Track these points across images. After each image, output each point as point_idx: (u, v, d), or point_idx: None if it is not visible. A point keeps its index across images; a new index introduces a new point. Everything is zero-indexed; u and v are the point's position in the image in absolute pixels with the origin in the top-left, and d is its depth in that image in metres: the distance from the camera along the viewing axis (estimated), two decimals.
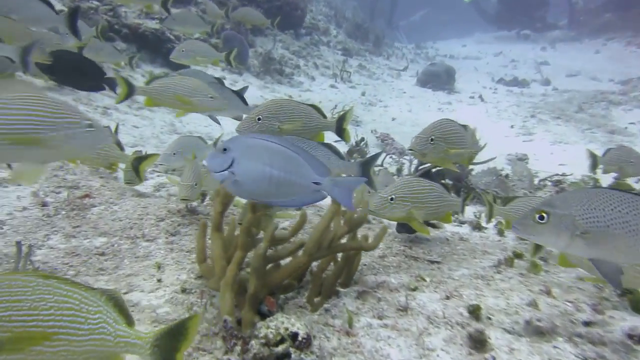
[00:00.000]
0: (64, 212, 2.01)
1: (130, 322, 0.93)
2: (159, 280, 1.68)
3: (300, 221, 1.52)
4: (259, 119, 1.94)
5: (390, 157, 4.87)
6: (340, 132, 2.04)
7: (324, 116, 2.07)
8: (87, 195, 2.24)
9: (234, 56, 4.14)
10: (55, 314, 0.85)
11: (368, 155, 3.18)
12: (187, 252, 1.94)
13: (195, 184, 2.16)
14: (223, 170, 1.19)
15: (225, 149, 1.20)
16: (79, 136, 1.25)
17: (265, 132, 1.93)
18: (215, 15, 5.06)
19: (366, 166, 2.01)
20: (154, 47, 5.45)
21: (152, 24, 5.52)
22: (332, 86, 7.60)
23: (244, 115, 2.33)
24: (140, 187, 2.60)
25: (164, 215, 2.25)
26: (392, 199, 1.96)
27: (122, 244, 1.88)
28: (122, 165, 2.40)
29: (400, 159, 5.08)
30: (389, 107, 7.27)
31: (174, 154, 3.22)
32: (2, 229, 1.74)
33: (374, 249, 1.65)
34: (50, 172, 2.44)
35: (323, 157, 1.89)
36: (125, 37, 5.34)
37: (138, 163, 2.29)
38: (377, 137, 5.78)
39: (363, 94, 7.57)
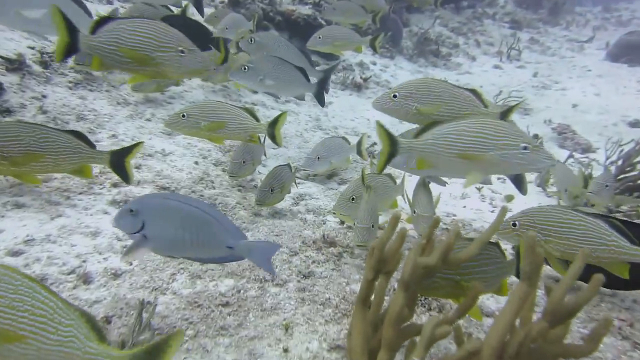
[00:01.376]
0: None
1: (102, 339, 0.93)
2: (285, 350, 1.39)
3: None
4: (394, 96, 1.88)
5: (572, 157, 3.96)
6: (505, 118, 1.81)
7: (485, 104, 1.89)
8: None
9: (380, 41, 3.75)
10: (29, 317, 0.87)
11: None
12: (320, 304, 1.62)
13: (373, 225, 1.82)
14: (134, 233, 1.20)
15: (132, 210, 1.19)
16: (175, 58, 1.61)
17: (399, 110, 1.90)
18: (376, 6, 4.64)
19: (320, 88, 2.56)
20: (304, 33, 5.26)
21: (305, 10, 5.33)
22: (496, 67, 6.63)
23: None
24: (279, 203, 2.38)
25: (298, 247, 1.96)
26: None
27: (249, 290, 1.64)
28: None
29: (587, 158, 4.13)
30: (568, 90, 6.05)
31: (318, 158, 2.96)
32: (131, 264, 1.62)
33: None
34: (189, 186, 2.35)
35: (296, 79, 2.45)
36: (279, 24, 5.26)
37: (272, 129, 2.16)
38: (552, 130, 4.82)
39: (535, 74, 6.45)
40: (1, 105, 2.35)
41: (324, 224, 2.36)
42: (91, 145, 1.90)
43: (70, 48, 1.55)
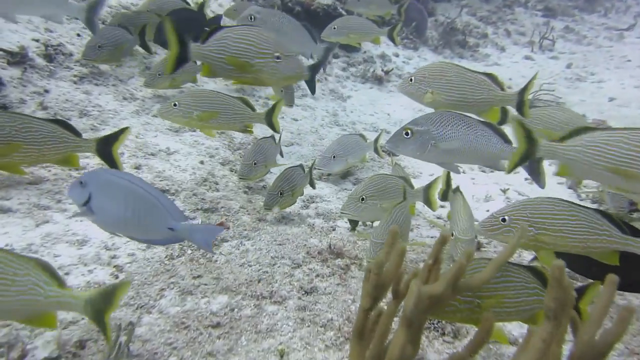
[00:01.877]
0: (189, 252, 1.72)
1: (61, 283, 1.07)
2: None
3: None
4: (411, 80, 1.93)
5: None
6: (521, 107, 1.82)
7: (502, 87, 1.90)
8: (222, 224, 1.93)
9: (398, 32, 3.55)
10: None
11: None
12: (321, 326, 1.46)
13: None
14: (82, 205, 1.24)
15: (81, 182, 1.25)
16: (271, 65, 1.57)
17: (415, 94, 1.95)
18: None
19: (313, 73, 2.36)
20: (323, 24, 5.05)
21: (325, 0, 5.13)
22: (527, 57, 6.28)
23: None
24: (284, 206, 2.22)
25: (301, 259, 1.81)
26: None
27: (244, 308, 1.49)
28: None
29: None
30: (605, 83, 5.67)
31: (334, 157, 2.79)
32: (117, 277, 1.49)
33: None
34: (191, 188, 2.21)
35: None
36: (298, 15, 5.06)
37: (270, 117, 2.12)
38: None
39: (568, 65, 6.08)
40: None
41: (333, 230, 2.20)
42: (77, 134, 1.83)
43: (181, 58, 1.58)
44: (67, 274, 1.47)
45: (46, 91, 2.58)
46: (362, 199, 1.94)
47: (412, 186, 2.19)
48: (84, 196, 1.24)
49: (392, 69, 4.97)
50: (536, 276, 1.23)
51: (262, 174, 2.44)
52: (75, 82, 2.79)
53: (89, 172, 1.29)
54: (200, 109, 1.95)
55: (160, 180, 2.18)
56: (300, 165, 2.35)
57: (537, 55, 6.40)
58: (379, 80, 4.75)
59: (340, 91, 4.44)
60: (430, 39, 5.81)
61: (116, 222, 1.25)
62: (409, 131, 1.76)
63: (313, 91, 2.64)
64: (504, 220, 1.39)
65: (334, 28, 3.18)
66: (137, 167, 2.23)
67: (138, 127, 2.68)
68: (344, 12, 5.02)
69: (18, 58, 2.58)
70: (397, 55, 5.34)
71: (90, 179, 1.25)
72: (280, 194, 2.15)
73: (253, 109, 2.09)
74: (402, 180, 2.10)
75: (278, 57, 1.60)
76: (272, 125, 2.13)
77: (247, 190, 2.43)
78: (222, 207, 2.13)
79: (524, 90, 1.81)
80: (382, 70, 4.94)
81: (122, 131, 1.81)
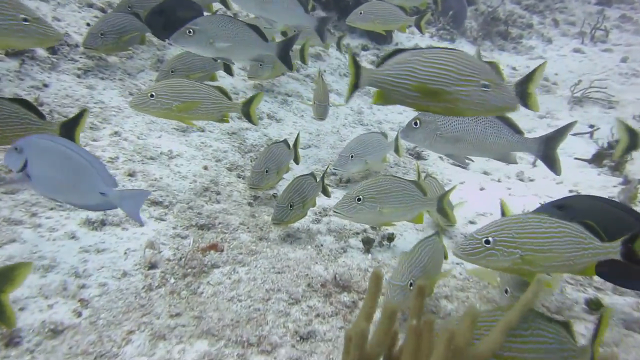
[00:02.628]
0: (172, 281, 1.50)
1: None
2: None
3: None
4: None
5: None
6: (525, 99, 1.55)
7: (502, 77, 1.55)
8: (214, 247, 1.70)
9: (426, 20, 3.30)
10: None
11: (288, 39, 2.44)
12: None
13: (411, 284, 1.41)
14: (18, 171, 1.29)
15: (16, 148, 1.30)
16: (477, 93, 1.31)
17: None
18: None
19: (284, 47, 2.27)
20: None
21: None
22: (576, 50, 5.75)
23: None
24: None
25: (301, 292, 1.56)
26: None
27: (226, 358, 1.26)
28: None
29: None
30: None
31: (352, 156, 2.54)
32: (80, 315, 1.28)
33: None
34: (188, 199, 1.99)
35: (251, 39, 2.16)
36: (327, 4, 4.77)
37: (247, 108, 2.07)
38: None
39: (624, 59, 5.52)
40: None
41: (343, 252, 1.94)
42: (41, 115, 1.71)
43: (355, 86, 1.47)
44: (21, 309, 1.28)
45: (45, 85, 2.41)
46: (359, 199, 1.76)
47: (425, 193, 1.93)
48: (20, 162, 1.29)
49: None
50: (565, 331, 1.08)
51: (274, 182, 2.22)
52: (78, 76, 2.62)
53: (25, 138, 1.32)
54: (179, 99, 1.85)
55: (154, 190, 1.97)
56: (312, 174, 2.10)
57: (588, 48, 5.86)
58: None
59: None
60: (469, 30, 5.39)
61: (52, 187, 1.32)
62: (417, 121, 1.84)
63: (289, 67, 2.49)
64: (487, 242, 1.23)
65: (360, 13, 2.95)
66: (131, 174, 2.03)
67: (142, 127, 2.48)
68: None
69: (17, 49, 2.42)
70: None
71: (26, 145, 1.29)
72: (290, 207, 1.91)
73: (230, 98, 2.03)
74: (414, 185, 1.88)
75: (486, 86, 1.37)
76: (248, 117, 2.07)
77: (252, 201, 2.19)
78: (219, 223, 1.90)
79: (526, 82, 1.54)
80: None
81: (82, 114, 1.71)
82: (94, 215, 1.69)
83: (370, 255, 1.96)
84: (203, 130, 2.67)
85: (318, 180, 2.12)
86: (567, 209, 1.50)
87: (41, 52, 2.56)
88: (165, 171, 2.17)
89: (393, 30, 3.50)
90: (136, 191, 1.48)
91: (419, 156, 3.36)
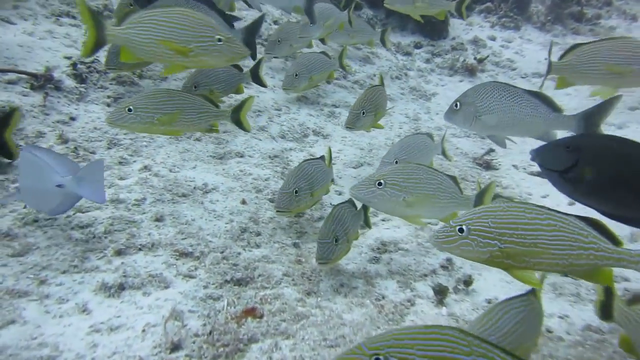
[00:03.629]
0: None
1: None
2: None
3: None
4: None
5: None
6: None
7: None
8: (251, 311, 1.39)
9: (466, 5, 3.15)
10: None
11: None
12: None
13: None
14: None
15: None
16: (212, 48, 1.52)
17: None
18: None
19: (250, 31, 2.19)
20: None
21: None
22: None
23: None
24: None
25: None
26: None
27: None
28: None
29: None
30: None
31: (396, 162, 2.18)
32: None
33: None
34: (222, 247, 1.70)
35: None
36: (373, 2, 4.38)
37: (237, 115, 1.95)
38: None
39: None
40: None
41: (411, 306, 1.58)
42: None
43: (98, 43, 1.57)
44: None
45: (72, 119, 2.23)
46: (380, 184, 1.56)
47: (460, 189, 1.71)
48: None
49: (488, 56, 4.11)
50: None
51: (306, 205, 1.89)
52: (108, 105, 2.42)
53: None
54: (161, 111, 1.73)
55: (183, 239, 1.70)
56: (350, 201, 1.78)
57: None
58: (470, 72, 3.94)
59: (423, 88, 3.71)
60: (536, 15, 4.79)
61: (32, 197, 1.36)
62: (458, 103, 1.91)
63: (254, 56, 2.39)
64: (461, 230, 1.12)
65: None
66: (159, 219, 1.77)
67: (175, 157, 2.24)
68: None
69: (42, 81, 2.25)
70: (493, 39, 4.44)
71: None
72: (336, 241, 1.60)
73: (217, 106, 1.90)
74: (451, 181, 1.69)
75: (219, 40, 1.53)
76: (239, 124, 1.95)
77: (297, 240, 1.87)
78: (259, 276, 1.59)
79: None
80: (475, 58, 4.10)
81: (12, 114, 1.64)
82: (110, 278, 1.43)
83: (445, 308, 1.58)
84: (242, 156, 2.39)
85: (359, 208, 1.80)
86: (572, 150, 1.33)
87: (69, 82, 2.38)
88: (198, 211, 1.90)
89: (431, 15, 3.15)
90: (90, 167, 1.43)
91: (488, 166, 2.91)
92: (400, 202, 1.55)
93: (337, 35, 3.35)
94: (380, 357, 0.82)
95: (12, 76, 2.23)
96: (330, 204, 2.20)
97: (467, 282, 1.69)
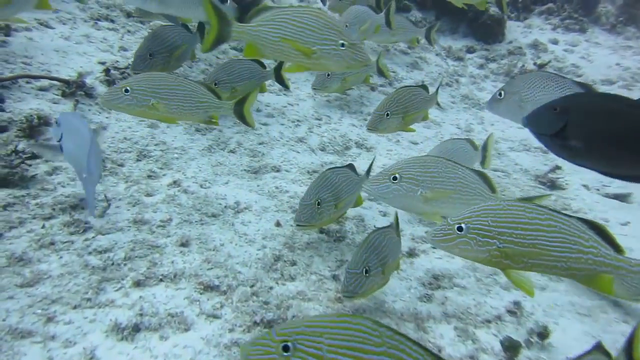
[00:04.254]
0: None
1: None
2: None
3: None
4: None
5: None
6: None
7: None
8: None
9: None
10: None
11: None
12: None
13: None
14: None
15: (57, 122, 1.54)
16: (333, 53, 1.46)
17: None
18: None
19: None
20: (455, 12, 4.03)
21: None
22: None
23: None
24: None
25: None
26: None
27: None
28: None
29: None
30: None
31: None
32: None
33: None
34: (252, 279, 1.50)
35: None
36: (422, 2, 4.12)
37: (241, 108, 1.80)
38: None
39: None
40: (33, 152, 1.80)
41: None
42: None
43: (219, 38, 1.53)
44: None
45: (103, 128, 2.10)
46: (395, 178, 1.45)
47: (494, 189, 1.53)
48: (58, 135, 1.52)
49: (549, 62, 3.75)
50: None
51: (329, 219, 1.66)
52: None
53: (62, 114, 1.58)
54: (158, 96, 1.64)
55: (210, 269, 1.51)
56: (392, 226, 1.57)
57: None
58: None
59: (476, 96, 3.41)
60: (604, 15, 4.37)
61: (77, 163, 1.49)
62: (502, 92, 1.79)
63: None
64: (460, 229, 1.08)
65: None
66: (184, 244, 1.60)
67: (207, 171, 2.07)
68: None
69: (74, 88, 2.14)
70: (555, 43, 4.06)
71: (63, 121, 1.53)
72: (366, 272, 1.40)
73: (219, 97, 1.78)
74: (477, 176, 1.51)
75: (342, 45, 1.48)
76: (242, 119, 1.81)
77: (337, 272, 1.65)
78: (293, 317, 1.38)
79: None
80: (535, 63, 3.75)
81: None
82: (125, 317, 1.26)
83: None
84: (278, 170, 2.20)
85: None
86: (561, 112, 1.30)
87: (101, 89, 2.27)
88: (227, 234, 1.72)
89: (474, 3, 2.91)
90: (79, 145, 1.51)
91: (553, 185, 2.59)
92: (417, 197, 1.45)
93: (377, 34, 3.09)
94: (288, 344, 0.82)
95: (44, 82, 2.14)
96: (374, 226, 1.98)
97: (543, 334, 1.41)
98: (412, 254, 1.89)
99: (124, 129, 2.15)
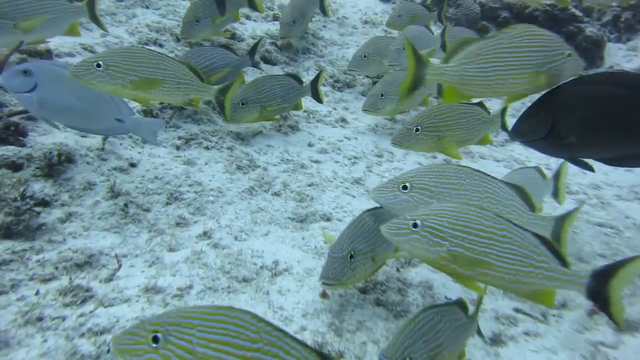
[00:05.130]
0: None
1: None
2: None
3: None
4: None
5: None
6: None
7: None
8: None
9: None
10: None
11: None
12: None
13: None
14: (25, 92, 1.43)
15: (26, 72, 1.44)
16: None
17: None
18: None
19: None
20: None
21: None
22: None
23: None
24: None
25: None
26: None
27: None
28: None
29: None
30: None
31: None
32: None
33: None
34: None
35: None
36: (503, 23, 3.67)
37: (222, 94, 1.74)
38: None
39: None
40: (47, 194, 1.57)
41: None
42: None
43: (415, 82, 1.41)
44: None
45: (132, 165, 1.86)
46: (405, 187, 1.29)
47: (533, 207, 1.35)
48: (29, 85, 1.45)
49: None
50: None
51: (365, 274, 1.35)
52: (178, 147, 2.04)
53: (32, 63, 1.52)
54: (136, 73, 1.53)
55: None
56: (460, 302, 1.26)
57: None
58: None
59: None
60: None
61: (62, 111, 1.53)
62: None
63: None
64: (415, 225, 1.05)
65: None
66: None
67: (244, 219, 1.76)
68: (577, 13, 3.41)
69: None
70: None
71: (37, 70, 1.46)
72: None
73: (202, 79, 1.71)
74: (510, 189, 1.32)
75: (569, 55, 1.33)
76: (222, 108, 1.76)
77: None
78: None
79: None
80: None
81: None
82: None
83: None
84: (329, 219, 1.84)
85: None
86: (545, 113, 1.34)
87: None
88: (259, 307, 1.37)
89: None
90: (151, 121, 1.67)
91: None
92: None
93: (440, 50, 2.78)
94: (158, 334, 0.80)
95: None
96: (445, 296, 1.57)
97: None
98: (496, 340, 1.45)
99: (156, 166, 1.90)
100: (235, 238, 1.66)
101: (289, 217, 1.82)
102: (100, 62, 1.47)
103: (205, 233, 1.64)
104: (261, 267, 1.54)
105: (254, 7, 2.68)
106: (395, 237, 1.06)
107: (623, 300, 1.01)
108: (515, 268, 1.03)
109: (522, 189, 1.34)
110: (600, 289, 1.00)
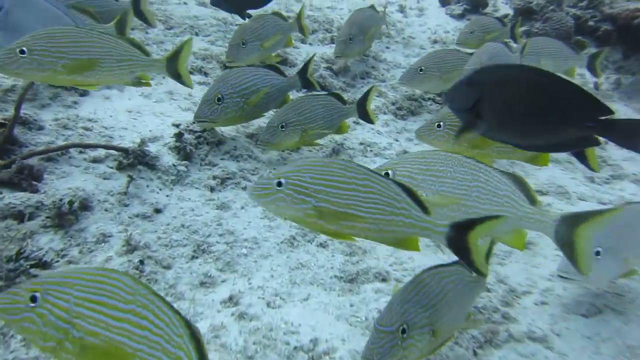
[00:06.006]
0: None
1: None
2: None
3: None
4: None
5: None
6: None
7: None
8: None
9: None
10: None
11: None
12: None
13: None
14: None
15: None
16: None
17: None
18: None
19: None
20: None
21: None
22: None
23: None
24: None
25: None
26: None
27: None
28: None
29: None
30: None
31: None
32: None
33: None
34: None
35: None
36: (604, 37, 3.16)
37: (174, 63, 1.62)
38: None
39: None
40: (54, 249, 1.35)
41: None
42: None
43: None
44: None
45: (157, 211, 1.62)
46: (387, 175, 1.22)
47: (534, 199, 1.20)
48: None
49: None
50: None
51: (422, 353, 1.08)
52: (212, 189, 1.78)
53: None
54: (67, 56, 1.39)
55: None
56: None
57: None
58: None
59: None
60: None
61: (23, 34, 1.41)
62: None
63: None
64: (279, 184, 1.04)
65: None
66: None
67: (282, 277, 1.45)
68: None
69: (132, 159, 1.72)
70: None
71: None
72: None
73: (147, 53, 1.57)
74: (507, 179, 1.21)
75: None
76: (178, 77, 1.64)
77: None
78: None
79: None
80: None
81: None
82: None
83: None
84: (385, 279, 1.49)
85: None
86: (473, 86, 1.37)
87: (167, 158, 1.81)
88: None
89: None
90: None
91: None
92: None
93: None
94: (37, 293, 0.82)
95: (100, 152, 1.75)
96: None
97: None
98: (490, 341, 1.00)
99: (184, 212, 1.64)
100: (268, 304, 1.35)
101: (335, 276, 1.48)
102: (24, 48, 1.35)
103: (231, 298, 1.34)
104: (295, 348, 1.21)
105: (302, 32, 2.47)
106: (261, 199, 1.05)
107: (483, 252, 1.04)
108: (377, 217, 1.03)
109: (521, 179, 1.23)
110: (458, 239, 1.01)
